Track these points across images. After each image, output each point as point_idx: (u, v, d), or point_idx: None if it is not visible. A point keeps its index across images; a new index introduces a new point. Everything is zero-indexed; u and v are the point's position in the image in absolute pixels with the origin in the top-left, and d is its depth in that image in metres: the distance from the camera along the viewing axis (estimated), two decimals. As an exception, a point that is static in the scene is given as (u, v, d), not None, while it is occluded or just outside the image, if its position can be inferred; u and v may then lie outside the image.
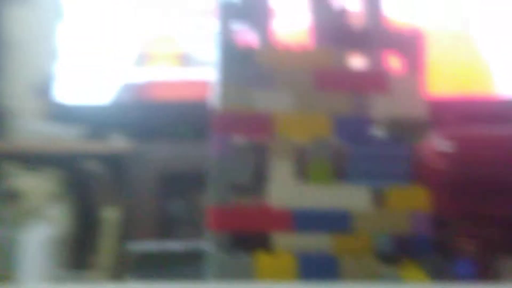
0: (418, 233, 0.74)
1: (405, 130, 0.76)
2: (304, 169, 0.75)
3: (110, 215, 1.59)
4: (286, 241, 0.73)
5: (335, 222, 0.73)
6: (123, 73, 1.67)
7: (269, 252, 0.72)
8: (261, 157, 0.76)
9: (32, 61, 1.73)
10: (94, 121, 1.77)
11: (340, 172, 0.76)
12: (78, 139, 1.72)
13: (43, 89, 1.80)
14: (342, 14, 0.77)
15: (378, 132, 0.77)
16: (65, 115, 1.72)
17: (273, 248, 0.72)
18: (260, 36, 0.76)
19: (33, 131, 1.70)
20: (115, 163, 1.62)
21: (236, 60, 0.75)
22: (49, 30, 1.74)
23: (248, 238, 0.72)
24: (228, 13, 0.76)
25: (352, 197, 0.74)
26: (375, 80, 0.77)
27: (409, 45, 0.77)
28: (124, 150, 1.56)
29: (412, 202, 0.74)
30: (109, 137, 1.71)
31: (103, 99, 1.71)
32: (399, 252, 0.74)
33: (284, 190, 0.73)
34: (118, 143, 1.63)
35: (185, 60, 1.69)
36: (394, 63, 0.79)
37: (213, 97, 0.75)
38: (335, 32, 0.77)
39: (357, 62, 0.79)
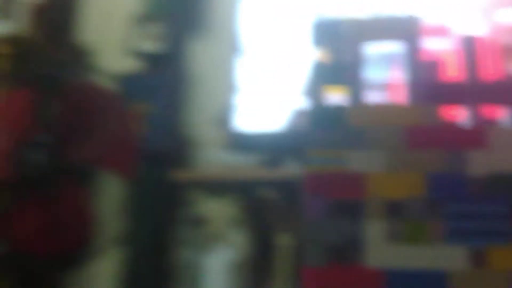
0: (521, 296, 0.70)
1: (505, 186, 0.72)
2: (399, 229, 0.75)
3: (285, 241, 1.63)
4: (379, 304, 0.73)
5: (430, 283, 0.72)
6: (295, 100, 1.70)
7: None
8: (355, 218, 0.76)
9: (213, 93, 1.83)
10: (270, 148, 1.81)
11: (437, 231, 0.74)
12: (256, 167, 1.76)
13: (223, 119, 1.88)
14: (434, 68, 0.75)
15: (476, 188, 0.74)
16: (243, 143, 1.78)
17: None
18: (351, 95, 0.77)
19: (215, 159, 1.78)
20: (289, 190, 1.63)
21: (326, 120, 0.77)
22: (229, 63, 1.83)
23: (340, 299, 0.74)
24: (319, 74, 0.78)
25: (448, 258, 0.72)
26: (471, 135, 0.74)
27: (509, 95, 0.74)
28: (298, 177, 1.58)
29: (515, 263, 0.71)
30: (284, 164, 1.74)
31: (277, 126, 1.74)
32: None
33: (378, 251, 0.74)
34: (291, 170, 1.64)
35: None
36: (493, 115, 0.76)
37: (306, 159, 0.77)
38: (427, 87, 0.76)
39: (452, 117, 0.77)
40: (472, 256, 0.73)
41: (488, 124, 0.75)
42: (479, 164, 0.74)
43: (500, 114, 0.76)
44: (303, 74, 1.71)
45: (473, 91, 0.75)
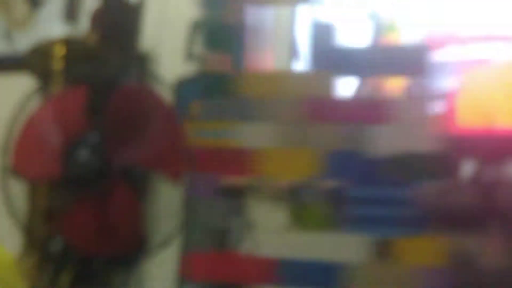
0: (427, 293, 0.62)
1: (412, 167, 0.64)
2: (292, 213, 0.66)
3: None
4: (265, 296, 0.65)
5: (326, 276, 0.63)
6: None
7: None
8: (243, 200, 0.68)
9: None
10: None
11: (336, 217, 0.66)
12: None
13: None
14: (336, 33, 0.66)
15: (380, 169, 0.65)
16: None
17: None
18: (234, 61, 0.68)
19: None
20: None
21: (213, 88, 0.68)
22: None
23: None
24: (213, 38, 0.69)
25: (349, 248, 0.63)
26: (377, 109, 0.65)
27: (417, 66, 0.65)
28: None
29: (424, 255, 0.62)
30: None
31: None
32: None
33: (271, 238, 0.65)
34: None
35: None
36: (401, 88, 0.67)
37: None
38: (330, 54, 0.67)
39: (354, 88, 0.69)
40: (374, 246, 0.63)
41: (394, 97, 0.67)
42: (384, 140, 0.65)
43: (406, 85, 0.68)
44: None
45: (378, 60, 0.67)
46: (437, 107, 1.58)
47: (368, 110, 0.65)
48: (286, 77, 0.64)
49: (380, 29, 1.78)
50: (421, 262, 0.62)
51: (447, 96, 1.56)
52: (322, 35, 0.66)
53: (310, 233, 0.63)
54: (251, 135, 0.66)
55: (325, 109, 0.65)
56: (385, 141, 0.65)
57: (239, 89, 0.67)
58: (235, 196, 0.68)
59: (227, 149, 0.66)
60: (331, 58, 0.66)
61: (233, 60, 0.67)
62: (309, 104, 0.66)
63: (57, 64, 1.54)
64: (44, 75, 1.65)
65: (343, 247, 0.63)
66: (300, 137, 0.65)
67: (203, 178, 0.65)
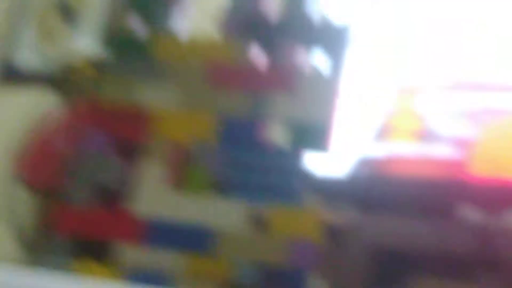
0: (295, 266, 0.58)
1: (306, 137, 0.61)
2: (176, 175, 0.64)
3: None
4: (132, 254, 0.61)
5: (194, 240, 0.60)
6: (361, 146, 1.64)
7: (103, 263, 0.62)
8: (133, 158, 0.66)
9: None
10: (328, 193, 1.76)
11: (218, 182, 0.63)
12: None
13: None
14: (255, 2, 0.66)
15: (278, 138, 0.62)
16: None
17: (119, 259, 0.62)
18: (151, 23, 0.68)
19: None
20: (335, 235, 1.58)
21: (123, 47, 0.68)
22: None
23: (92, 245, 0.63)
24: (124, 2, 0.69)
25: (223, 214, 0.60)
26: (277, 77, 0.63)
27: (328, 41, 0.63)
28: (346, 223, 1.50)
29: (297, 228, 0.59)
30: (340, 209, 1.68)
31: (339, 171, 1.69)
32: (265, 285, 0.59)
33: (146, 198, 0.62)
34: (342, 215, 1.58)
35: (426, 136, 1.61)
36: (307, 60, 0.65)
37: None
38: (241, 22, 0.66)
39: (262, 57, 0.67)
40: (251, 215, 0.62)
41: (294, 67, 0.65)
42: (280, 110, 0.63)
43: (316, 60, 0.65)
44: (373, 121, 1.67)
45: (285, 30, 0.66)
46: (453, 152, 1.54)
47: (270, 78, 0.64)
48: (196, 43, 0.63)
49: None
50: (295, 234, 0.59)
51: (463, 143, 1.51)
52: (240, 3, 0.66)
53: (188, 196, 0.60)
54: (152, 97, 0.65)
55: (227, 75, 0.64)
56: (281, 109, 0.63)
57: (151, 51, 0.66)
58: (127, 154, 0.67)
59: (125, 107, 0.65)
60: (243, 26, 0.66)
61: (151, 22, 0.67)
62: (213, 70, 0.65)
63: (82, 82, 1.59)
64: (69, 93, 1.71)
65: (219, 212, 0.60)
66: (199, 101, 0.64)
67: (97, 135, 0.65)
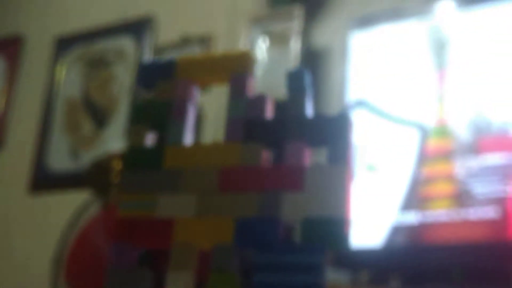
0: None
1: (318, 232, 0.62)
2: (204, 281, 0.66)
3: None
4: None
5: None
6: (395, 215, 1.66)
7: None
8: (161, 268, 0.68)
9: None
10: (372, 266, 1.79)
11: (247, 284, 0.65)
12: (354, 285, 1.74)
13: None
14: (258, 103, 0.68)
15: (288, 236, 0.64)
16: (345, 260, 1.76)
17: None
18: (171, 136, 0.71)
19: None
20: None
21: (141, 161, 0.71)
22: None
23: None
24: (140, 115, 0.72)
25: (252, 315, 0.62)
26: (287, 176, 0.65)
27: (331, 135, 0.65)
28: None
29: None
30: (386, 282, 1.70)
31: (375, 242, 1.72)
32: None
33: (176, 305, 0.65)
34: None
35: (461, 199, 1.62)
36: (312, 156, 0.67)
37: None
38: (247, 124, 0.68)
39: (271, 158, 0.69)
40: None
41: (302, 165, 0.67)
42: (292, 207, 0.65)
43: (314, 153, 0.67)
44: (403, 188, 1.70)
45: (291, 128, 0.68)
46: (491, 212, 1.54)
47: (279, 177, 0.66)
48: (201, 149, 0.66)
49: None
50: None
51: (498, 200, 1.51)
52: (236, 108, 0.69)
53: (214, 300, 0.63)
54: (169, 206, 0.68)
55: (236, 178, 0.67)
56: (293, 207, 0.65)
57: (163, 162, 0.70)
58: (155, 264, 0.69)
59: (148, 220, 0.68)
60: (242, 128, 0.69)
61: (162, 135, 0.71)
62: (221, 174, 0.68)
63: (114, 178, 1.64)
64: (101, 188, 1.76)
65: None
66: (214, 206, 0.67)
67: (125, 249, 0.67)
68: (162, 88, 0.72)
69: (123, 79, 3.03)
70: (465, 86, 1.74)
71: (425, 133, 1.79)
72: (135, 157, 0.70)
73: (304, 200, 0.64)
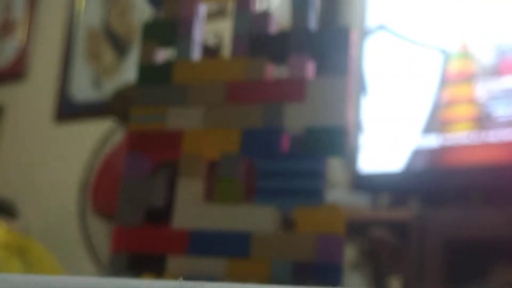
0: (324, 258, 0.63)
1: (321, 142, 0.65)
2: (211, 188, 0.69)
3: (394, 285, 1.59)
4: (178, 264, 0.67)
5: (232, 245, 0.65)
6: (415, 138, 1.69)
7: (160, 275, 0.68)
8: (173, 178, 0.72)
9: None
10: (393, 189, 1.82)
11: (248, 190, 0.68)
12: (374, 207, 1.78)
13: (350, 160, 1.90)
14: (263, 19, 0.70)
15: (292, 145, 0.67)
16: (366, 183, 1.79)
17: (168, 271, 0.68)
18: (179, 52, 0.73)
19: (340, 200, 1.79)
20: (403, 231, 1.62)
21: (152, 76, 0.73)
22: (356, 103, 1.84)
23: (145, 260, 0.69)
24: (149, 33, 0.75)
25: (255, 219, 0.65)
26: (290, 88, 0.67)
27: (332, 47, 0.67)
28: (413, 217, 1.54)
29: (323, 225, 0.63)
30: (406, 205, 1.73)
31: (396, 165, 1.74)
32: (299, 279, 0.63)
33: (185, 211, 0.68)
34: (407, 211, 1.63)
35: (482, 122, 1.63)
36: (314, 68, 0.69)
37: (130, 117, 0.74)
38: (252, 39, 0.70)
39: (279, 70, 0.71)
40: (280, 216, 0.67)
41: (305, 77, 0.69)
42: (296, 118, 0.67)
43: (322, 66, 0.69)
44: (424, 112, 1.72)
45: (294, 42, 0.70)
46: (510, 133, 1.55)
47: (282, 90, 0.69)
48: (209, 64, 0.69)
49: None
50: (321, 230, 0.64)
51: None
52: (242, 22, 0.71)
53: (221, 206, 0.66)
54: (178, 118, 0.71)
55: (242, 91, 0.69)
56: (296, 117, 0.68)
57: (173, 77, 0.72)
58: (167, 174, 0.73)
59: (158, 131, 0.71)
60: (247, 43, 0.71)
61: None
62: (227, 87, 0.71)
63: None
64: (123, 117, 1.80)
65: (251, 218, 0.66)
66: (221, 118, 0.70)
67: (137, 159, 0.71)
68: (170, 6, 0.75)
69: (142, 8, 3.04)
70: (487, 8, 1.73)
71: (447, 56, 1.79)
72: (145, 73, 0.73)
73: (306, 111, 0.67)
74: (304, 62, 0.68)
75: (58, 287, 0.33)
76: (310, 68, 0.69)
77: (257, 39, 0.70)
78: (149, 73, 0.74)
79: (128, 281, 0.37)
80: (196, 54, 0.74)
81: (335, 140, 0.65)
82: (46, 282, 0.33)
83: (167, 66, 0.73)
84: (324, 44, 0.68)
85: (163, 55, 0.75)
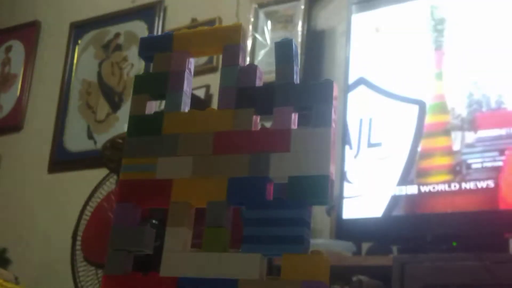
0: (309, 305, 0.64)
1: (305, 190, 0.67)
2: (198, 237, 0.71)
3: None
4: (166, 311, 0.69)
5: (218, 291, 0.67)
6: (394, 187, 1.72)
7: None
8: (161, 227, 0.73)
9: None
10: (374, 236, 1.85)
11: (234, 238, 0.70)
12: (356, 254, 1.81)
13: (332, 207, 1.93)
14: (249, 73, 0.73)
15: (276, 193, 0.69)
16: (347, 230, 1.83)
17: (156, 318, 0.69)
18: (169, 104, 0.76)
19: (322, 247, 1.81)
20: (385, 276, 1.65)
21: (142, 128, 0.76)
22: (339, 153, 1.87)
23: (133, 307, 0.70)
24: (141, 85, 0.78)
25: (242, 266, 0.67)
26: (275, 138, 0.70)
27: (315, 99, 0.70)
28: (393, 263, 1.57)
29: (308, 271, 0.65)
30: (387, 251, 1.76)
31: (376, 214, 1.78)
32: None
33: (173, 259, 0.70)
34: (388, 257, 1.67)
35: (458, 172, 1.68)
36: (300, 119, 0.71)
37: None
38: (239, 92, 0.73)
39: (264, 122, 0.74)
40: (265, 264, 0.68)
41: (289, 128, 0.71)
42: (280, 167, 0.70)
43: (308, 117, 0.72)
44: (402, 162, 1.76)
45: (280, 94, 0.73)
46: (484, 182, 1.58)
47: (268, 140, 0.71)
48: (197, 116, 0.71)
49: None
50: (306, 276, 0.65)
51: (493, 172, 1.55)
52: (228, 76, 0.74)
53: (208, 254, 0.68)
54: (168, 168, 0.73)
55: (229, 141, 0.72)
56: (281, 167, 0.70)
57: (163, 128, 0.75)
58: (156, 223, 0.75)
59: (148, 181, 0.73)
60: (235, 96, 0.73)
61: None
62: (215, 138, 0.73)
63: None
64: (116, 166, 1.82)
65: (238, 265, 0.67)
66: (209, 167, 0.72)
67: (127, 208, 0.73)
68: (161, 60, 0.78)
69: (135, 62, 3.09)
70: (462, 63, 1.78)
71: (423, 109, 1.84)
72: (136, 124, 0.75)
73: (291, 160, 0.69)
74: (289, 113, 0.71)
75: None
76: (294, 119, 0.71)
77: (244, 92, 0.74)
78: (140, 124, 0.76)
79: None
80: (185, 106, 0.77)
81: (319, 188, 0.67)
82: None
83: (158, 118, 0.76)
84: (308, 96, 0.71)
85: (153, 107, 0.78)
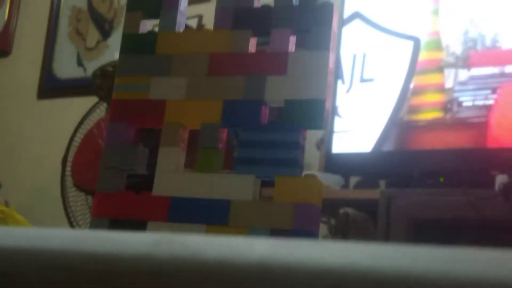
0: (300, 226, 0.64)
1: (300, 114, 0.67)
2: (191, 157, 0.71)
3: None
4: (158, 230, 0.69)
5: (212, 213, 0.67)
6: (385, 123, 1.71)
7: None
8: (154, 146, 0.73)
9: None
10: (362, 171, 1.86)
11: (228, 160, 0.70)
12: (344, 188, 1.82)
13: (322, 141, 1.94)
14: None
15: (271, 116, 0.69)
16: (338, 165, 1.83)
17: (148, 236, 0.69)
18: (164, 23, 0.74)
19: None
20: (372, 210, 1.67)
21: (136, 46, 0.75)
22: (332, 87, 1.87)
23: (126, 226, 0.70)
24: (134, 4, 0.76)
25: (234, 187, 0.67)
26: (272, 61, 0.69)
27: (314, 22, 0.68)
28: (380, 197, 1.58)
29: (300, 194, 0.65)
30: (375, 186, 1.77)
31: (366, 149, 1.78)
32: None
33: (166, 179, 0.70)
34: (375, 191, 1.68)
35: (449, 109, 1.67)
36: (296, 41, 0.71)
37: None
38: (236, 13, 0.72)
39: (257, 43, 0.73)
40: (259, 185, 0.69)
41: (287, 51, 0.70)
42: (276, 90, 0.69)
43: (304, 40, 0.71)
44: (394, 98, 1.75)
45: (277, 16, 0.71)
46: (474, 119, 1.58)
47: (264, 62, 0.70)
48: (193, 36, 0.70)
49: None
50: (298, 199, 0.66)
51: (483, 110, 1.56)
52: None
53: (201, 174, 0.68)
54: (161, 88, 0.72)
55: (224, 63, 0.71)
56: (277, 90, 0.69)
57: (157, 47, 0.74)
58: (149, 143, 0.74)
59: (142, 101, 0.72)
60: (231, 16, 0.72)
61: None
62: (210, 59, 0.72)
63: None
64: (106, 94, 1.81)
65: (231, 186, 0.68)
66: (204, 89, 0.71)
67: (120, 127, 0.72)
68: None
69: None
70: (459, 0, 1.76)
71: (418, 46, 1.83)
72: (130, 43, 0.74)
73: (287, 84, 0.68)
74: (287, 36, 0.70)
75: (53, 239, 0.35)
76: (292, 42, 0.70)
77: (240, 13, 0.72)
78: (134, 42, 0.75)
79: (111, 233, 0.38)
80: (180, 26, 0.75)
81: (314, 112, 0.67)
82: (43, 234, 0.34)
83: (152, 37, 0.75)
84: (307, 19, 0.70)
85: (147, 26, 0.77)
